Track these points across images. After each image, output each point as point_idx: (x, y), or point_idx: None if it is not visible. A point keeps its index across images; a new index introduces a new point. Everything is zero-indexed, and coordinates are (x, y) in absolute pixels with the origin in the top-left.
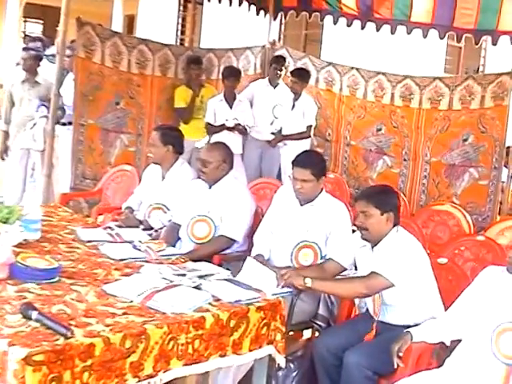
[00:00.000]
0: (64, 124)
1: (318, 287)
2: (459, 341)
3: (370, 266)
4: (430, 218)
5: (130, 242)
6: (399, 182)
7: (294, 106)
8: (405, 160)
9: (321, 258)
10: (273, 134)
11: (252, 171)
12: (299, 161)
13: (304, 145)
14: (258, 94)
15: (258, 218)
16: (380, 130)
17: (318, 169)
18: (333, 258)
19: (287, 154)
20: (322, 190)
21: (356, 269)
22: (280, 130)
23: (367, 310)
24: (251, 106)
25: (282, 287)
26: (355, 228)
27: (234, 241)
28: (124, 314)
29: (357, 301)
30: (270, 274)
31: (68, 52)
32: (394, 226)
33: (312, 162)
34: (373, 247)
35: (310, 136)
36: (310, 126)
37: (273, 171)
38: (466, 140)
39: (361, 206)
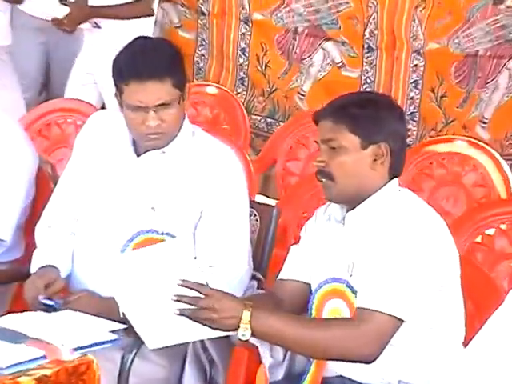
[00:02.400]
0: None
1: (269, 333)
2: None
3: (336, 264)
4: (425, 172)
5: None
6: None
7: None
8: (370, 50)
9: None
10: (64, 3)
11: (29, 84)
12: (140, 62)
13: (139, 29)
14: None
15: (45, 188)
16: None
17: (182, 71)
18: (213, 272)
19: (102, 49)
20: (183, 117)
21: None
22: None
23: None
24: None
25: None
26: (269, 200)
27: None
28: None
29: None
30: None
31: None
32: (393, 178)
33: (167, 60)
34: (346, 213)
35: (150, 13)
36: None
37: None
38: (501, 1)
39: (324, 128)
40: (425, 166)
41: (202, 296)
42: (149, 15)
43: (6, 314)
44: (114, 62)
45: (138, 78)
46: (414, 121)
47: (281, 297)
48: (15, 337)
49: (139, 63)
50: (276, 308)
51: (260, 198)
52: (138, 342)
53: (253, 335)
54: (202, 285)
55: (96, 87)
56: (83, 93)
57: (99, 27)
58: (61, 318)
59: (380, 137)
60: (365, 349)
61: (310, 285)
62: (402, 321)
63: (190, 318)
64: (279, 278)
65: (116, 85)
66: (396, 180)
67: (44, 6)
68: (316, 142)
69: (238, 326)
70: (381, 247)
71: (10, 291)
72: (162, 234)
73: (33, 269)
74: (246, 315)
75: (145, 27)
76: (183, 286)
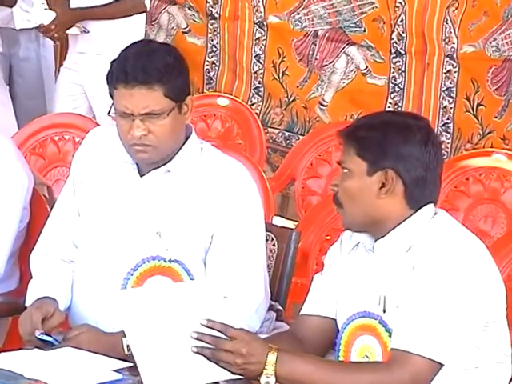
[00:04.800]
0: None
1: (295, 378)
2: None
3: (367, 296)
4: (460, 189)
5: None
6: (387, 106)
7: None
8: (398, 54)
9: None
10: (50, 8)
11: None
12: (130, 66)
13: (129, 31)
14: None
15: (41, 212)
16: None
17: (179, 81)
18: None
19: (91, 56)
20: (191, 131)
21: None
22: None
23: None
24: None
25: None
26: (286, 222)
27: None
28: None
29: None
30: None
31: None
32: (424, 206)
33: (160, 66)
34: (376, 241)
35: (142, 9)
36: None
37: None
38: None
39: (341, 151)
40: (460, 183)
41: (225, 337)
42: (141, 12)
43: (0, 352)
44: (110, 64)
45: (126, 82)
46: (448, 132)
47: (303, 334)
48: (10, 378)
49: (129, 67)
50: (297, 348)
51: (277, 220)
52: None
53: (277, 381)
54: (228, 325)
55: (86, 98)
56: (71, 105)
57: (87, 32)
58: (59, 356)
59: (387, 162)
60: None
61: (335, 320)
62: (441, 364)
63: (207, 358)
64: (301, 313)
65: (108, 89)
66: (431, 206)
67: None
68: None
69: (261, 372)
70: (417, 282)
71: (4, 326)
72: (170, 261)
73: (28, 301)
74: (272, 358)
75: (135, 28)
76: (207, 326)
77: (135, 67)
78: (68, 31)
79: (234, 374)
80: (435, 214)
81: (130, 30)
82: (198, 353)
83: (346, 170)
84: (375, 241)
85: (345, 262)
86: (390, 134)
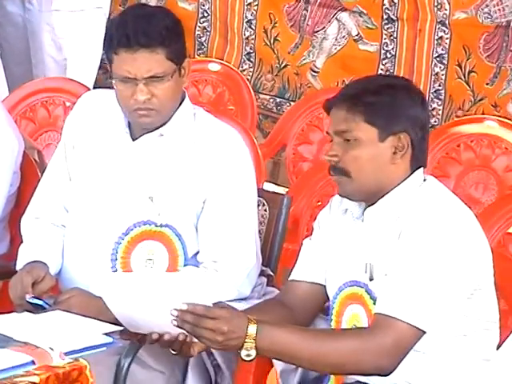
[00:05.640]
0: None
1: (276, 349)
2: None
3: (355, 265)
4: (452, 156)
5: None
6: (379, 73)
7: None
8: (390, 21)
9: (185, 261)
10: None
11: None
12: (131, 29)
13: None
14: None
15: (31, 176)
16: None
17: (178, 43)
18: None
19: (68, 16)
20: (184, 96)
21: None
22: None
23: None
24: None
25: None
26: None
27: None
28: None
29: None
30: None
31: None
32: (417, 168)
33: (161, 29)
34: (366, 208)
35: None
36: None
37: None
38: None
39: (337, 118)
40: (451, 149)
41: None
42: None
43: None
44: (106, 29)
45: (128, 46)
46: (439, 99)
47: (292, 301)
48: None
49: (130, 31)
50: (287, 315)
51: (268, 187)
52: (135, 346)
53: (258, 354)
54: (209, 307)
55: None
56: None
57: None
58: (50, 320)
59: (399, 127)
60: (381, 361)
61: (324, 286)
62: (424, 332)
63: (188, 333)
64: (291, 278)
65: (107, 55)
66: (421, 170)
67: None
68: (327, 133)
69: (242, 346)
70: (403, 249)
71: None
72: (161, 226)
73: (19, 265)
74: (252, 331)
75: None
76: (188, 310)
77: (136, 31)
78: None
79: (214, 349)
80: (424, 180)
81: None
82: (179, 326)
83: (351, 139)
84: (365, 208)
85: (334, 225)
86: (399, 97)
